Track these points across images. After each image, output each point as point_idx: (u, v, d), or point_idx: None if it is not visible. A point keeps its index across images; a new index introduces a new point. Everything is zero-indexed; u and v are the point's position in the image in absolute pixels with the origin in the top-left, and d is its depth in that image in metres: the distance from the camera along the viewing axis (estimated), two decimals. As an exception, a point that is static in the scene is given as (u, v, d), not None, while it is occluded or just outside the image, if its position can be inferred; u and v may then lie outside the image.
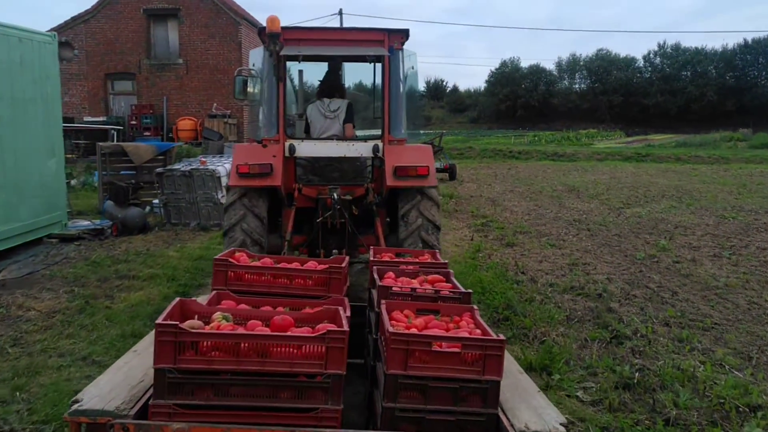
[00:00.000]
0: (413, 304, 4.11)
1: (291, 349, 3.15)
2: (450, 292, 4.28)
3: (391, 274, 4.80)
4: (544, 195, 19.75)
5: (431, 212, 7.45)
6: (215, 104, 29.77)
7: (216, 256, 4.57)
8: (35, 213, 11.10)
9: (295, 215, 7.74)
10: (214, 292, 4.34)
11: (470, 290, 4.24)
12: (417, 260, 5.49)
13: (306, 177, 8.11)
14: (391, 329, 3.37)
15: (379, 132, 7.78)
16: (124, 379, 3.43)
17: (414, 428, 3.37)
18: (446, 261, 5.17)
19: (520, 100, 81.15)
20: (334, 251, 7.61)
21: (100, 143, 15.51)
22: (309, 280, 4.53)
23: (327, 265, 4.55)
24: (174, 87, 30.47)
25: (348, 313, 3.95)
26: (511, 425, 3.26)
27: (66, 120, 27.83)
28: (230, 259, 4.54)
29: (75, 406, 3.11)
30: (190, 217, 13.37)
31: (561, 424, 3.29)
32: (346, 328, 3.21)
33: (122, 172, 14.59)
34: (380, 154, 7.63)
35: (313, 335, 3.16)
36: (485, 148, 39.75)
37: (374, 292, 4.64)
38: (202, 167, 13.31)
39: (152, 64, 30.52)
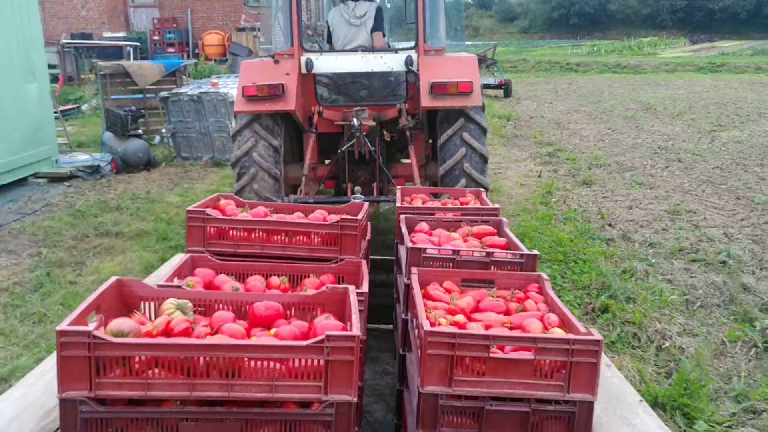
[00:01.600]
0: (456, 273, 2.95)
1: (272, 364, 2.02)
2: (508, 254, 3.09)
3: (424, 225, 3.63)
4: (616, 115, 17.18)
5: (477, 140, 6.19)
6: (244, 16, 27.17)
7: (190, 207, 3.43)
8: (13, 149, 9.36)
9: (317, 143, 6.57)
10: (188, 255, 3.23)
11: (535, 251, 3.05)
12: (458, 205, 4.29)
13: (328, 97, 6.90)
14: (426, 326, 2.22)
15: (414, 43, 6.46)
16: (33, 402, 2.35)
17: (464, 470, 2.26)
18: (497, 206, 3.95)
19: (574, 6, 73.37)
20: (356, 189, 6.44)
21: (101, 63, 13.54)
22: (315, 238, 3.38)
23: (338, 218, 3.37)
24: (198, -3, 27.97)
25: (365, 288, 2.83)
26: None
27: (84, 36, 26.32)
28: (209, 211, 3.39)
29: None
30: (201, 150, 11.59)
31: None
32: (356, 331, 2.06)
33: (124, 97, 12.81)
34: (414, 68, 6.34)
35: (304, 344, 2.01)
36: (540, 60, 36.61)
37: (402, 251, 3.49)
38: (212, 90, 11.28)
39: (175, -27, 28.06)
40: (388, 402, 3.79)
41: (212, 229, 3.37)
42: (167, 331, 2.25)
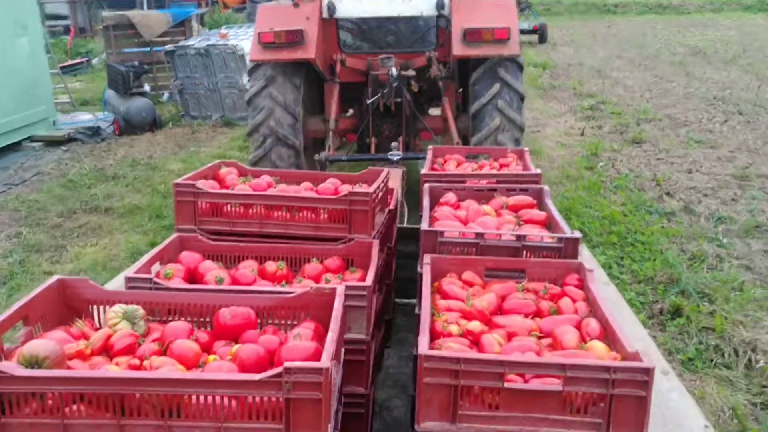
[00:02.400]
0: (479, 261, 2.44)
1: (222, 400, 1.58)
2: (544, 237, 2.55)
3: (450, 196, 3.12)
4: (663, 61, 15.60)
5: (512, 76, 5.58)
6: None
7: (178, 180, 3.00)
8: (3, 110, 8.51)
9: (341, 93, 6.06)
10: (176, 236, 2.82)
11: (577, 233, 2.51)
12: (496, 170, 3.74)
13: (351, 44, 6.36)
14: (423, 347, 1.74)
15: None
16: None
17: None
18: (538, 171, 3.39)
19: None
20: (393, 146, 5.92)
21: (104, 13, 12.57)
22: (321, 214, 2.91)
23: (347, 191, 2.88)
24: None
25: (369, 279, 2.37)
26: None
27: None
28: (199, 183, 2.96)
29: None
30: (211, 108, 10.55)
31: None
32: (325, 362, 1.59)
33: (130, 50, 11.80)
34: (446, 12, 5.72)
35: (257, 378, 1.56)
36: (575, 2, 33.74)
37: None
38: (221, 42, 10.19)
39: None
40: (411, 395, 3.35)
41: (204, 204, 2.93)
42: (107, 349, 1.85)
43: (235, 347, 1.84)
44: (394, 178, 4.92)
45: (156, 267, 2.54)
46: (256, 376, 1.56)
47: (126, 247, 5.64)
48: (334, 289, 2.02)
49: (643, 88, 12.59)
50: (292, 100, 5.68)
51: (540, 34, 20.57)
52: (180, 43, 10.77)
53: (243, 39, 10.32)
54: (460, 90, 6.43)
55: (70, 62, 16.24)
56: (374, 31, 6.35)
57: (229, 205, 2.94)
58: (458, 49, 5.41)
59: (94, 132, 9.67)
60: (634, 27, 24.19)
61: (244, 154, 7.94)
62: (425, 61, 5.91)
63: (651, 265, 5.14)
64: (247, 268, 2.64)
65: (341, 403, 2.11)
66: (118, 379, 1.57)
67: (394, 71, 5.69)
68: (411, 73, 5.91)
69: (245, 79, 8.67)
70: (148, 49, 11.88)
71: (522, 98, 5.67)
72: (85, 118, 10.28)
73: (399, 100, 5.90)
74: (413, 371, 2.77)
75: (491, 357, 1.74)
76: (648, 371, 1.66)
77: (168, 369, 1.67)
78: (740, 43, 17.82)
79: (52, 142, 9.30)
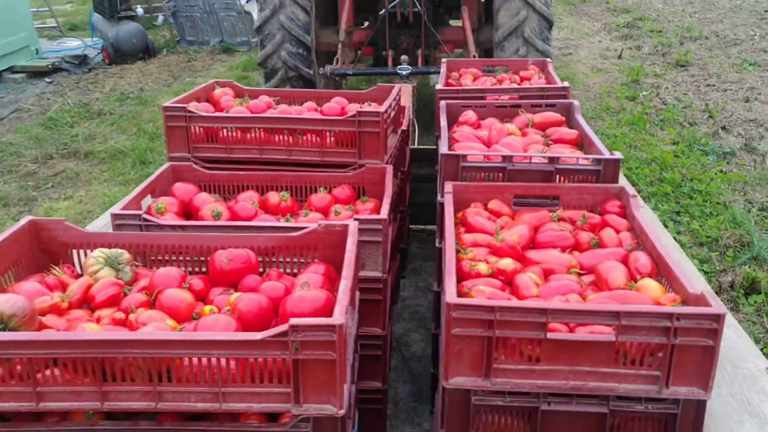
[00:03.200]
0: (507, 187, 2.17)
1: (220, 362, 1.35)
2: (580, 158, 2.26)
3: (470, 115, 2.81)
4: None
5: (541, 17, 5.18)
6: None
7: (167, 103, 2.70)
8: None
9: (353, 3, 5.67)
10: (168, 165, 2.56)
11: (618, 154, 2.21)
12: (517, 81, 3.42)
13: None
14: (451, 295, 1.49)
15: None
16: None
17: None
18: (565, 84, 3.07)
19: None
20: (403, 59, 5.56)
21: None
22: (328, 137, 2.63)
23: (356, 110, 2.58)
24: None
25: (384, 212, 2.12)
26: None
27: None
28: (191, 106, 2.66)
29: None
30: (208, 33, 9.75)
31: None
32: (338, 318, 1.35)
33: None
34: None
35: (258, 337, 1.32)
36: None
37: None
38: None
39: None
40: (429, 329, 3.16)
41: (198, 129, 2.65)
42: (87, 301, 1.61)
43: (234, 296, 1.60)
44: (404, 95, 4.60)
45: (147, 201, 2.29)
46: (258, 335, 1.32)
47: (103, 201, 5.02)
48: (345, 226, 1.77)
49: (684, 0, 11.54)
50: (302, 26, 5.30)
51: None
52: None
53: None
54: (483, 0, 6.00)
55: None
56: None
57: (225, 130, 2.66)
58: None
59: (81, 61, 8.94)
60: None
61: (244, 84, 7.46)
62: None
63: (714, 222, 4.31)
64: (248, 200, 2.38)
65: (357, 350, 1.88)
66: (96, 341, 1.34)
67: None
68: None
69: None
70: None
71: (551, 25, 5.27)
72: (73, 45, 9.61)
73: (417, 9, 5.51)
74: (434, 305, 2.56)
75: (532, 304, 1.49)
76: (718, 318, 1.41)
77: (155, 328, 1.44)
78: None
79: (36, 73, 8.56)
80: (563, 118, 2.77)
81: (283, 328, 1.31)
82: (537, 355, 1.49)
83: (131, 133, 6.50)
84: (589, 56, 8.53)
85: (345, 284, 1.46)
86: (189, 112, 2.61)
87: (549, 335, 1.46)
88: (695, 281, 2.37)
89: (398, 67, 5.43)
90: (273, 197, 2.44)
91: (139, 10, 10.32)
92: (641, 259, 1.76)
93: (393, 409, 2.72)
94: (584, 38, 9.48)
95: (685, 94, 6.93)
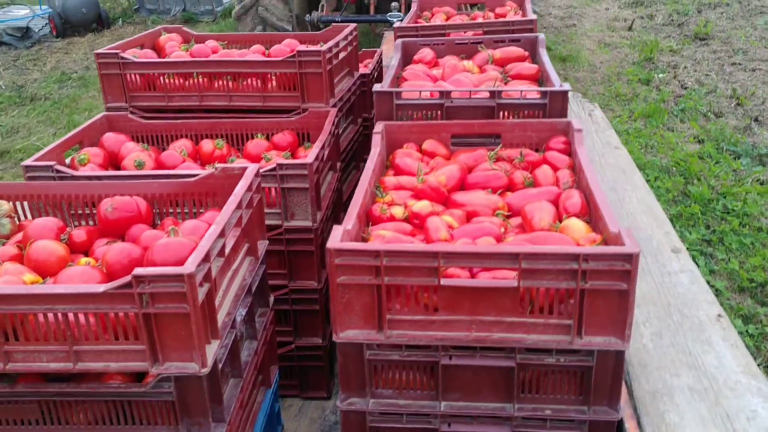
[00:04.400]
0: (444, 126, 1.99)
1: (71, 318, 1.23)
2: (523, 91, 2.06)
3: (426, 52, 2.61)
4: None
5: None
6: None
7: (100, 50, 2.55)
8: None
9: None
10: (101, 115, 2.42)
11: (566, 86, 2.01)
12: (489, 19, 3.20)
13: None
14: (334, 239, 1.33)
15: None
16: None
17: (416, 447, 1.46)
18: (532, 17, 2.84)
19: None
20: (393, 6, 5.34)
21: None
22: (270, 81, 2.46)
23: (296, 49, 2.40)
24: None
25: (312, 156, 1.96)
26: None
27: None
28: (127, 53, 2.51)
29: None
30: (169, 2, 8.82)
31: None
32: (189, 266, 1.20)
33: None
34: None
35: (100, 289, 1.19)
36: None
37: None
38: None
39: None
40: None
41: (134, 76, 2.50)
42: (-45, 255, 1.48)
43: (115, 245, 1.46)
44: (389, 43, 4.39)
45: (71, 154, 2.16)
46: (101, 288, 1.19)
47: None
48: (243, 169, 1.61)
49: None
50: None
51: None
52: None
53: None
54: None
55: None
56: None
57: (164, 77, 2.50)
58: None
59: (24, 34, 7.98)
60: None
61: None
62: None
63: (758, 260, 3.35)
64: (177, 148, 2.24)
65: (267, 304, 1.75)
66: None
67: None
68: None
69: None
70: None
71: None
72: (20, 14, 8.43)
73: None
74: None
75: (420, 247, 1.33)
76: (631, 257, 1.23)
77: (4, 282, 1.31)
78: None
79: None
80: (527, 53, 2.56)
81: (127, 279, 1.17)
82: (435, 304, 1.34)
83: (60, 125, 5.64)
84: (595, 28, 7.54)
85: (213, 230, 1.32)
86: (122, 58, 2.46)
87: (443, 281, 1.30)
88: (647, 215, 2.19)
89: (389, 14, 5.21)
90: (207, 145, 2.30)
91: None
92: (572, 198, 1.59)
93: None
94: (590, 5, 8.47)
95: (707, 74, 5.93)
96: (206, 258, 1.24)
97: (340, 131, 2.59)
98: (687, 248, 2.90)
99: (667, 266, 1.91)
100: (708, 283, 2.60)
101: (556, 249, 1.29)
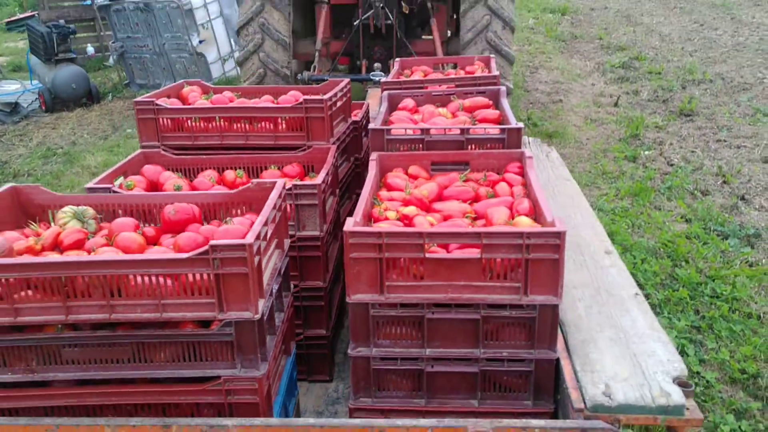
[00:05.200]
0: (425, 155, 2.52)
1: (160, 280, 1.70)
2: (486, 129, 2.62)
3: (408, 102, 3.17)
4: (700, 2, 13.00)
5: (502, 5, 5.58)
6: None
7: (138, 98, 3.07)
8: None
9: (331, 15, 6.10)
10: (139, 151, 2.91)
11: (519, 124, 2.57)
12: (461, 75, 3.78)
13: None
14: (349, 225, 1.83)
15: None
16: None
17: (408, 386, 1.94)
18: (495, 73, 3.43)
19: None
20: (376, 66, 5.97)
21: None
22: (280, 123, 2.99)
23: (302, 99, 2.95)
24: None
25: (320, 178, 2.47)
26: (577, 383, 1.77)
27: None
28: (160, 101, 3.03)
29: None
30: (159, 75, 8.78)
31: (677, 380, 1.76)
32: (250, 238, 1.70)
33: (66, 4, 9.83)
34: None
35: (185, 256, 1.68)
36: None
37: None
38: None
39: None
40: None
41: (166, 120, 3.01)
42: (57, 244, 1.96)
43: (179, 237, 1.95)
44: (374, 98, 4.97)
45: (120, 180, 2.65)
46: (185, 255, 1.67)
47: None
48: (274, 183, 2.12)
49: (682, 37, 10.51)
50: (283, 29, 5.73)
51: None
52: None
53: None
54: (454, 16, 6.40)
55: (20, 16, 14.22)
56: None
57: (190, 120, 3.02)
58: None
59: (13, 109, 8.02)
60: (659, -40, 21.81)
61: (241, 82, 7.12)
62: None
63: (749, 350, 3.34)
64: (205, 176, 2.74)
65: (289, 289, 2.23)
66: (59, 263, 1.69)
67: None
68: None
69: (195, 38, 7.82)
70: (88, 2, 9.95)
71: (513, 29, 5.68)
72: (11, 88, 8.58)
73: (389, 22, 5.91)
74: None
75: (410, 229, 1.85)
76: (559, 234, 1.75)
77: (107, 252, 1.79)
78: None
79: None
80: (491, 102, 3.12)
81: (205, 248, 1.66)
82: (421, 274, 1.84)
83: None
84: (581, 103, 7.65)
85: (260, 219, 1.81)
86: (157, 105, 2.98)
87: (427, 255, 1.80)
88: (590, 229, 2.73)
89: (372, 73, 5.83)
90: (229, 174, 2.79)
91: (90, 50, 9.79)
92: (522, 204, 2.11)
93: (343, 357, 2.97)
94: (576, 80, 8.67)
95: (693, 151, 6.03)
96: (258, 237, 1.73)
97: (338, 164, 3.11)
98: (675, 336, 3.39)
99: (600, 263, 2.42)
100: (698, 373, 3.17)
101: (507, 229, 1.81)
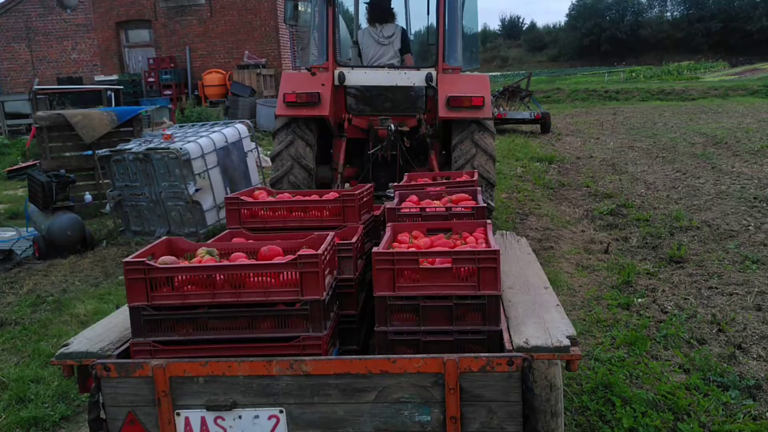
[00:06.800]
0: (423, 225, 3.85)
1: (266, 278, 2.99)
2: (462, 207, 3.97)
3: (413, 197, 4.54)
4: (682, 153, 13.99)
5: (486, 142, 7.12)
6: (247, 52, 24.27)
7: (230, 195, 4.47)
8: None
9: (347, 147, 7.63)
10: (227, 231, 4.26)
11: (484, 204, 3.91)
12: (450, 181, 5.19)
13: (357, 107, 7.94)
14: (376, 249, 3.14)
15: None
16: (116, 324, 3.40)
17: (411, 350, 3.15)
18: (475, 179, 4.83)
19: (604, 33, 71.98)
20: (391, 185, 7.44)
21: (39, 113, 11.10)
22: (325, 211, 4.35)
23: (341, 195, 4.34)
24: (197, 33, 24.87)
25: (354, 239, 3.77)
26: (511, 341, 2.98)
27: (71, 81, 22.87)
28: (243, 197, 4.42)
29: (62, 350, 3.11)
30: (154, 223, 9.02)
31: (569, 337, 2.97)
32: (321, 251, 3.00)
33: (68, 154, 10.53)
34: (433, 84, 7.32)
35: (284, 261, 2.98)
36: (575, 89, 33.62)
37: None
38: (163, 145, 8.58)
39: (170, 7, 24.81)
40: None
41: (245, 210, 4.39)
42: (200, 266, 3.26)
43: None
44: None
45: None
46: (284, 260, 2.98)
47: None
48: (328, 233, 3.44)
49: (667, 185, 11.02)
50: (310, 136, 7.24)
51: (543, 123, 20.00)
52: (117, 147, 9.09)
53: (190, 140, 8.74)
54: (444, 152, 7.95)
55: (21, 165, 14.97)
56: (375, 97, 7.95)
57: (262, 210, 4.40)
58: (443, 112, 7.00)
59: (6, 256, 8.18)
60: (642, 114, 23.11)
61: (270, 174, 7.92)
62: (416, 122, 7.52)
63: None
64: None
65: (333, 310, 3.49)
66: (208, 267, 2.99)
67: (392, 127, 7.26)
68: (405, 129, 7.48)
69: (192, 187, 8.32)
70: (89, 152, 10.31)
71: (494, 160, 7.20)
72: (6, 236, 8.73)
73: (394, 152, 7.44)
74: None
75: (410, 251, 3.15)
76: (496, 252, 3.03)
77: (236, 259, 3.09)
78: (762, 131, 16.27)
79: None
80: (470, 197, 4.48)
81: (295, 256, 2.96)
82: (417, 279, 3.10)
83: (25, 354, 5.50)
84: (572, 250, 7.80)
85: (323, 246, 3.12)
86: (240, 200, 4.37)
87: (421, 266, 3.08)
88: (535, 277, 3.98)
89: (387, 190, 7.29)
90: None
91: (88, 197, 10.12)
92: (481, 246, 3.40)
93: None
94: (565, 227, 8.92)
95: (685, 298, 6.09)
96: (323, 252, 3.03)
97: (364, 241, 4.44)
98: None
99: (538, 292, 3.67)
100: None
101: (467, 248, 3.10)
